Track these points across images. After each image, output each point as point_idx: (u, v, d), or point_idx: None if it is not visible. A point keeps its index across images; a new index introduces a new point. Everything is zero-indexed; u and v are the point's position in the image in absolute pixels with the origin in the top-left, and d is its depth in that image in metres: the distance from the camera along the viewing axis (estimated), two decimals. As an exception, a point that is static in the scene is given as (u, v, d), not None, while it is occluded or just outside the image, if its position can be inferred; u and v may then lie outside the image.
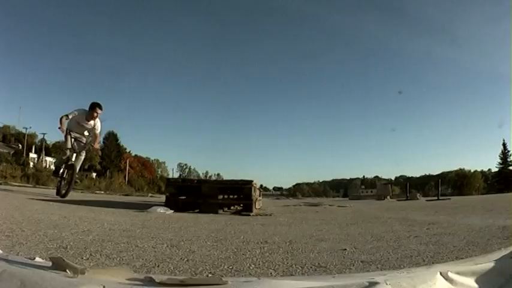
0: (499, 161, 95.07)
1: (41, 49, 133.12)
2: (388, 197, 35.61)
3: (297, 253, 3.23)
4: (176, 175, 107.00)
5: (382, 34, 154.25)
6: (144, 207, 8.29)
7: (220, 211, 8.41)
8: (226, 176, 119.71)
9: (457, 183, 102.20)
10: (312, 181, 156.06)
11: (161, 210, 7.67)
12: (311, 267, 2.68)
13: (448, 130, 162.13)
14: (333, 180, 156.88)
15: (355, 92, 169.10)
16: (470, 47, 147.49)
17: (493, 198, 13.75)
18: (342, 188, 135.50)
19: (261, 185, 11.01)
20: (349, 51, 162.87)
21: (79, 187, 44.25)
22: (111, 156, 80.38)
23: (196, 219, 6.41)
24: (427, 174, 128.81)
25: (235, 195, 9.18)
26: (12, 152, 63.32)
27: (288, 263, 2.82)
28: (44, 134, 76.31)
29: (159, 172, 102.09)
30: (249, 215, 7.81)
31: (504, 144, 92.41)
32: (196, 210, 8.30)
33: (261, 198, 11.91)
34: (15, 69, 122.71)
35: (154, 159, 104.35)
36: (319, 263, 2.78)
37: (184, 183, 9.37)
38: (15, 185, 22.62)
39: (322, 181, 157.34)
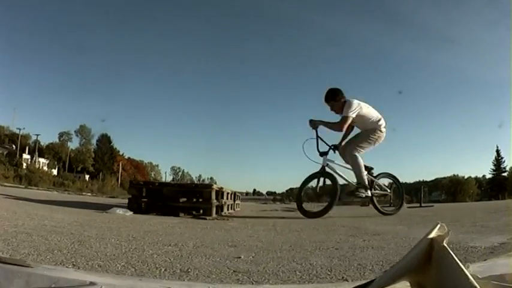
0: (493, 167, 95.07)
1: (36, 47, 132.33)
2: (372, 203, 35.42)
3: (183, 258, 3.16)
4: (169, 178, 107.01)
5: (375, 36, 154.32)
6: (109, 208, 8.33)
7: (182, 214, 8.44)
8: (220, 180, 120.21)
9: (451, 189, 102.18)
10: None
11: (120, 211, 7.76)
12: (175, 272, 2.65)
13: (444, 134, 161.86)
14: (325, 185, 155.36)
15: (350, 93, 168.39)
16: (467, 49, 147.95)
17: (477, 206, 13.66)
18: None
19: (254, 190, 11.00)
20: (345, 54, 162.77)
21: (71, 189, 44.72)
22: (104, 158, 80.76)
23: (146, 220, 6.53)
24: (421, 180, 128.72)
25: (195, 199, 9.22)
26: (5, 153, 63.48)
27: (159, 265, 2.79)
28: (37, 135, 76.75)
29: (153, 175, 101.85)
30: (205, 219, 7.81)
31: (498, 151, 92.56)
32: (158, 213, 8.32)
33: (233, 202, 11.95)
34: (11, 69, 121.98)
35: (148, 162, 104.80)
36: (188, 269, 2.70)
37: (146, 186, 9.39)
38: (7, 186, 22.80)
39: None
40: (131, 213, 7.84)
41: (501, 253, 3.11)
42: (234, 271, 2.67)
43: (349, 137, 8.85)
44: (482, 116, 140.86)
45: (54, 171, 74.49)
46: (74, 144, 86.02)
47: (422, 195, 26.96)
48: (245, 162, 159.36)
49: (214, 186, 8.77)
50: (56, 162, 78.84)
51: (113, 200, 18.42)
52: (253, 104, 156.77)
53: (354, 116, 8.32)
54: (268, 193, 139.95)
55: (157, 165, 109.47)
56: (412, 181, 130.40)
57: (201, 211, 8.58)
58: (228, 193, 10.87)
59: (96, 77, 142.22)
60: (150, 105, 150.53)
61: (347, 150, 8.54)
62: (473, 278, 1.12)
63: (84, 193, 26.94)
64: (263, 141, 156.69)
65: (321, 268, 2.86)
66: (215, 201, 8.57)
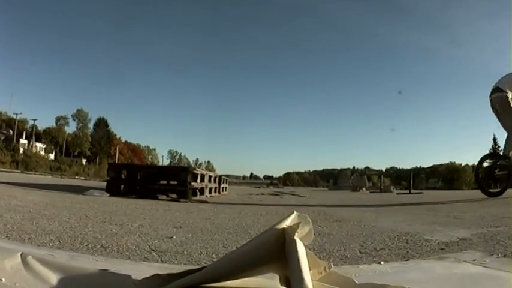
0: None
1: (34, 33, 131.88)
2: (364, 188, 35.37)
3: (121, 234, 3.19)
4: (166, 162, 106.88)
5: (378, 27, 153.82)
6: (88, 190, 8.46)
7: (162, 197, 8.46)
8: (216, 164, 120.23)
9: (448, 176, 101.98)
10: (303, 170, 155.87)
11: (97, 193, 7.78)
12: (88, 244, 2.70)
13: (443, 123, 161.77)
14: (323, 170, 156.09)
15: (349, 84, 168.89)
16: (466, 42, 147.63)
17: (467, 194, 13.52)
18: (332, 178, 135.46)
19: (251, 173, 10.92)
20: (344, 42, 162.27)
21: (67, 173, 44.67)
22: (100, 142, 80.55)
23: (123, 203, 6.57)
24: (418, 166, 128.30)
25: (173, 182, 9.20)
26: (2, 138, 63.52)
27: (89, 241, 2.82)
28: (34, 120, 76.43)
29: (150, 159, 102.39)
30: (179, 201, 7.95)
31: (494, 139, 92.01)
32: (137, 196, 8.38)
33: (218, 185, 11.97)
34: (7, 55, 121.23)
35: (145, 146, 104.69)
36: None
37: (125, 168, 9.41)
38: (3, 171, 22.80)
39: (313, 171, 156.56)
40: (107, 195, 7.88)
41: (449, 251, 2.90)
42: (152, 250, 2.71)
43: None
44: (481, 106, 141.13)
45: (52, 156, 74.72)
46: (70, 128, 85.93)
47: (411, 183, 27.11)
48: (243, 147, 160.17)
49: (191, 169, 8.79)
50: (53, 147, 78.79)
51: (104, 183, 18.44)
52: (253, 91, 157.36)
53: None
54: (266, 177, 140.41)
55: (154, 149, 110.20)
56: (409, 167, 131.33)
57: (177, 193, 8.66)
58: (210, 176, 10.88)
59: (94, 62, 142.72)
60: (148, 90, 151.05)
61: None
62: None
63: (78, 177, 26.87)
64: (261, 127, 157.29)
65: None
66: (192, 184, 8.60)
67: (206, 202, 8.14)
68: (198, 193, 9.11)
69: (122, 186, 8.75)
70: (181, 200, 8.17)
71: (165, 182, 9.35)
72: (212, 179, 11.21)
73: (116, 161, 75.85)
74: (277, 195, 14.80)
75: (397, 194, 21.17)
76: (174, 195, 8.82)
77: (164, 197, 8.64)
